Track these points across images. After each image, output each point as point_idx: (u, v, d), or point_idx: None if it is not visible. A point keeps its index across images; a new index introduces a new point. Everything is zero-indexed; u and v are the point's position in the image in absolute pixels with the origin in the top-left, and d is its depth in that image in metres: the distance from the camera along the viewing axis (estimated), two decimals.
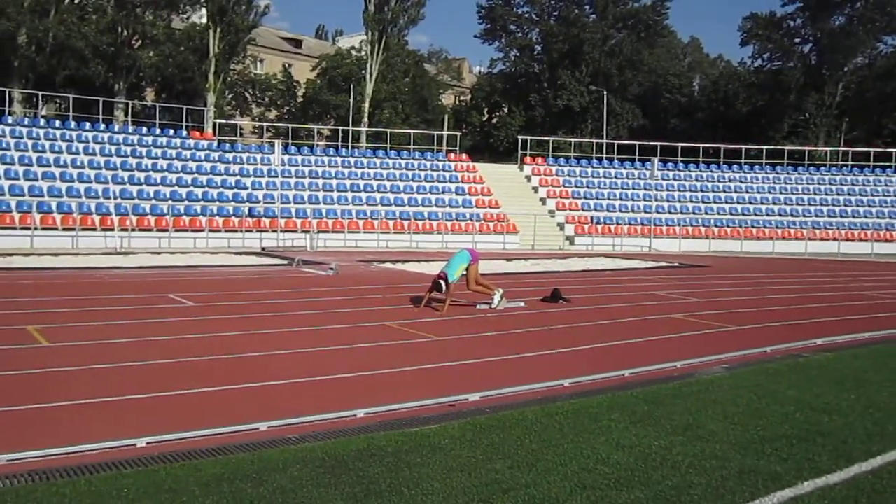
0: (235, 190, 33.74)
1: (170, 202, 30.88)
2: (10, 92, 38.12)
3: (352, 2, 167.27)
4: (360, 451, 5.58)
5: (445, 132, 46.36)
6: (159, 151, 34.92)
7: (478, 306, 13.55)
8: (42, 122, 35.78)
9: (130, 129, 37.19)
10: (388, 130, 46.59)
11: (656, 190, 41.82)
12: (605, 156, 45.60)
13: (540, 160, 43.89)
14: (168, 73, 54.67)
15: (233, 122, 52.83)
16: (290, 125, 46.65)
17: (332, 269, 19.80)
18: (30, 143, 32.25)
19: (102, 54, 49.09)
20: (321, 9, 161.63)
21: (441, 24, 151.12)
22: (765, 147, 47.16)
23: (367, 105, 54.24)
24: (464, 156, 43.35)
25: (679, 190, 42.52)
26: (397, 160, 40.13)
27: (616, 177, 43.13)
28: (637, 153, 44.62)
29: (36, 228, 27.20)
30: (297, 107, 66.72)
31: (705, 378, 8.44)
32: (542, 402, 7.21)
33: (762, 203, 42.13)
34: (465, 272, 13.26)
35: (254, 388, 7.47)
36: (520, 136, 46.58)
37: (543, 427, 6.31)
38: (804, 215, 41.14)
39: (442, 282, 12.92)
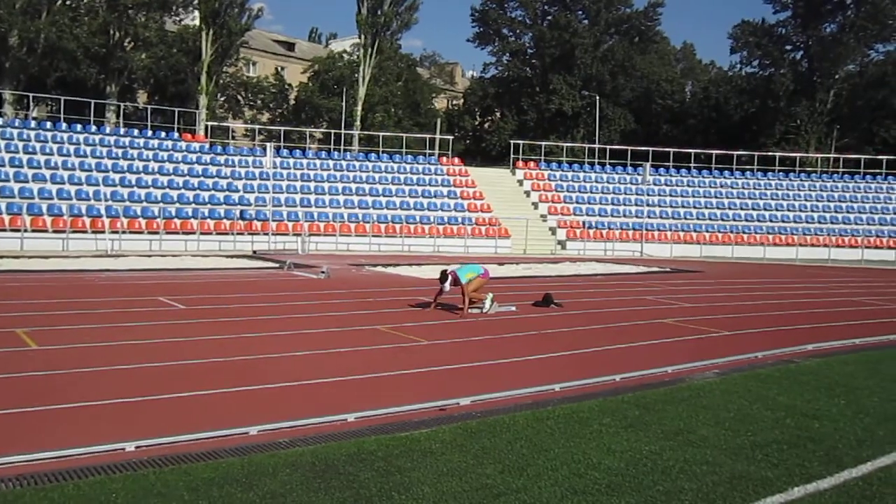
0: (227, 193, 33.66)
1: (161, 205, 30.78)
2: (1, 93, 37.92)
3: (345, 5, 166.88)
4: (351, 455, 5.57)
5: (438, 136, 46.30)
6: (151, 154, 34.80)
7: (469, 310, 13.54)
8: (33, 123, 35.63)
9: (122, 131, 37.02)
10: (381, 134, 46.62)
11: (648, 195, 41.93)
12: (596, 160, 45.70)
13: (532, 164, 43.93)
14: (160, 76, 54.54)
15: (225, 124, 52.78)
16: (282, 128, 46.50)
17: (323, 272, 19.78)
18: (20, 144, 32.08)
19: (94, 56, 48.94)
20: (314, 12, 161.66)
21: (434, 27, 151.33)
22: (756, 153, 47.32)
23: (359, 108, 54.23)
24: (456, 160, 43.35)
25: (671, 195, 42.63)
26: (389, 164, 40.11)
27: (608, 182, 43.19)
28: (629, 158, 44.72)
29: (26, 230, 27.07)
30: (289, 110, 66.65)
31: (696, 383, 8.45)
32: (533, 406, 7.21)
33: (753, 209, 42.25)
34: (470, 280, 13.35)
35: (244, 392, 7.45)
36: (512, 141, 46.65)
37: (534, 432, 6.31)
38: (795, 221, 41.28)
39: (449, 276, 13.22)
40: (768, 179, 45.35)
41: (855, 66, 64.60)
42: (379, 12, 52.43)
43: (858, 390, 8.28)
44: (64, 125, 35.09)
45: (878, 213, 42.69)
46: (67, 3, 48.73)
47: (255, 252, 28.93)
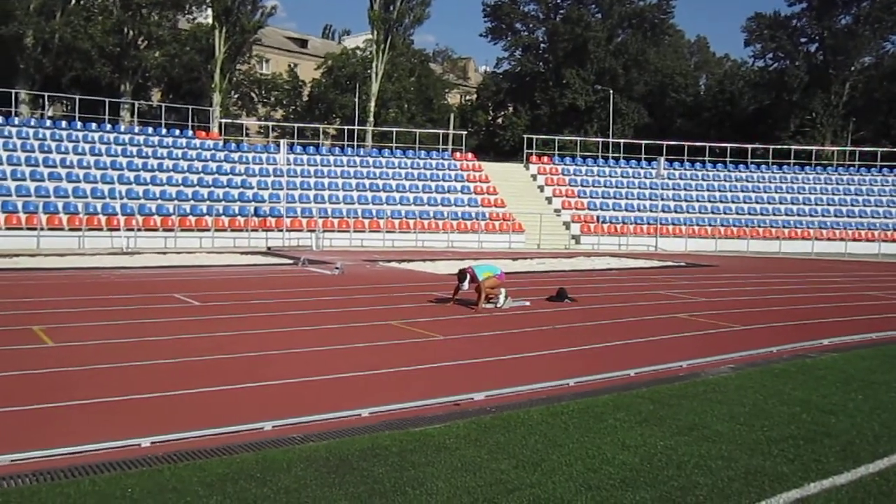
0: (241, 190, 33.76)
1: (175, 202, 30.90)
2: (16, 93, 38.18)
3: (358, 2, 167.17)
4: (365, 450, 5.57)
5: (451, 131, 46.31)
6: (165, 151, 34.96)
7: (483, 305, 13.52)
8: (48, 122, 35.84)
9: (136, 129, 37.21)
10: (394, 130, 46.51)
11: (662, 189, 41.69)
12: (610, 155, 45.52)
13: (545, 159, 43.82)
14: (174, 74, 54.74)
15: (238, 121, 52.92)
16: (295, 125, 46.68)
17: (337, 268, 19.81)
18: (36, 143, 32.30)
19: (108, 55, 49.17)
20: (328, 9, 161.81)
21: (447, 23, 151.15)
22: (771, 147, 46.97)
23: (372, 104, 54.26)
24: (469, 155, 43.29)
25: (685, 189, 42.42)
26: (403, 159, 40.12)
27: (622, 176, 43.03)
28: (643, 152, 44.54)
29: (42, 229, 27.26)
30: (302, 106, 66.80)
31: (711, 378, 8.40)
32: (547, 401, 7.19)
33: (769, 203, 41.99)
34: (486, 278, 13.39)
35: (258, 388, 7.47)
36: (525, 136, 46.53)
37: (548, 427, 6.29)
38: (811, 215, 40.99)
39: (468, 274, 13.38)
40: (783, 173, 45.03)
41: (871, 59, 64.04)
42: (391, 8, 52.42)
43: (875, 385, 8.21)
44: (79, 124, 35.29)
45: (894, 207, 42.29)
46: (81, 2, 48.97)
47: (269, 249, 29.01)
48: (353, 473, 5.10)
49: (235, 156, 36.72)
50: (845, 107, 61.86)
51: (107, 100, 38.69)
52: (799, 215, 40.95)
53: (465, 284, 13.48)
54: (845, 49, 60.70)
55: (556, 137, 47.55)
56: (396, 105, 64.10)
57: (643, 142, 45.75)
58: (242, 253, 27.03)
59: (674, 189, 42.15)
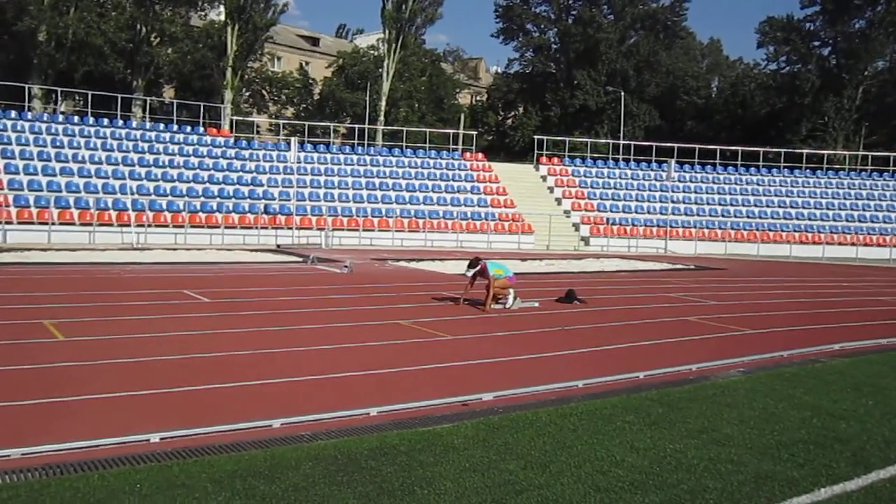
0: (251, 187, 33.84)
1: (186, 199, 31.00)
2: (29, 88, 38.37)
3: (371, 0, 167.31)
4: (373, 449, 5.57)
5: (461, 131, 46.27)
6: (176, 148, 35.09)
7: (492, 306, 13.50)
8: (61, 118, 36.04)
9: (148, 125, 37.40)
10: (405, 129, 46.52)
11: (672, 191, 41.63)
12: (621, 157, 45.44)
13: (556, 160, 43.77)
14: (186, 71, 54.85)
15: (249, 119, 53.04)
16: (306, 123, 46.74)
17: (346, 266, 19.83)
18: (48, 138, 32.48)
19: (121, 51, 49.29)
20: (341, 7, 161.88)
21: (458, 23, 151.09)
22: (783, 150, 46.80)
23: (383, 103, 54.29)
24: (479, 155, 43.28)
25: (695, 192, 42.30)
26: (413, 159, 40.15)
27: (632, 178, 42.95)
28: (653, 154, 44.43)
29: (53, 223, 27.41)
30: (313, 104, 66.88)
31: (721, 381, 8.37)
32: (556, 402, 7.17)
33: (779, 206, 41.84)
34: (496, 278, 13.34)
35: (267, 385, 7.48)
36: (536, 136, 46.47)
37: (557, 428, 6.28)
38: (822, 219, 40.82)
39: (480, 264, 13.42)
40: (795, 177, 44.87)
41: (884, 63, 63.69)
42: (404, 7, 52.46)
43: (886, 390, 8.16)
44: (91, 120, 35.50)
45: None
46: None
47: (279, 246, 29.07)
48: (362, 472, 5.10)
49: (246, 153, 36.81)
50: (858, 111, 61.53)
51: (119, 96, 38.87)
52: (810, 219, 40.78)
53: (470, 272, 13.50)
54: (858, 53, 60.39)
55: (567, 139, 47.42)
56: (407, 104, 64.12)
57: (654, 144, 45.64)
58: (252, 250, 27.10)
59: (684, 191, 42.05)
